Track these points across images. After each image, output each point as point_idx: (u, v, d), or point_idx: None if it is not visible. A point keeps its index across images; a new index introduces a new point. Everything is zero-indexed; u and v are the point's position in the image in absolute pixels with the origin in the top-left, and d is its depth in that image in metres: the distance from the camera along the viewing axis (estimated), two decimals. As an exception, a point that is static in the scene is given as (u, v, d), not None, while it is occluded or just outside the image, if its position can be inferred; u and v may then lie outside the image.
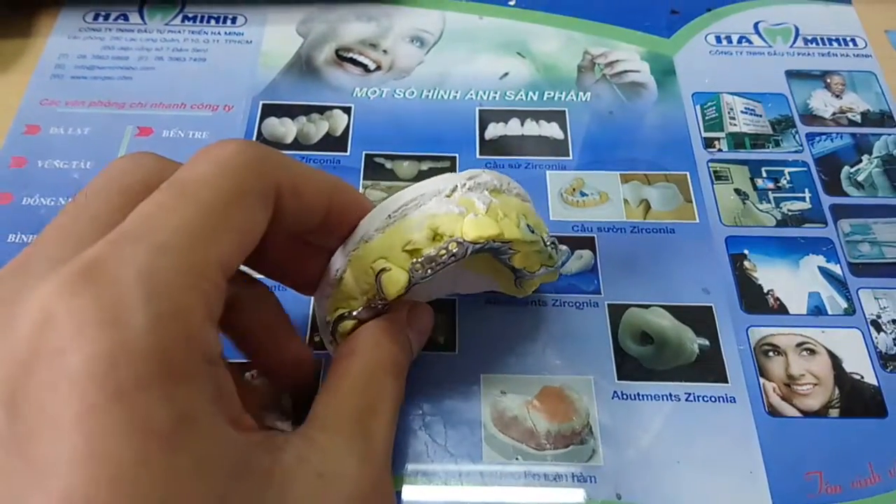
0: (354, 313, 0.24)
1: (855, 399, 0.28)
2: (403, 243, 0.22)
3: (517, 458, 0.26)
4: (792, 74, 0.38)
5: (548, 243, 0.25)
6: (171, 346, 0.15)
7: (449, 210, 0.22)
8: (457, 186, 0.23)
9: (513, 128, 0.35)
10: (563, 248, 0.31)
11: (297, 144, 0.35)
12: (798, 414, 0.27)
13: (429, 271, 0.22)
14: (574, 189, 0.33)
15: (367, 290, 0.23)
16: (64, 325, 0.15)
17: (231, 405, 0.18)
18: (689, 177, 0.34)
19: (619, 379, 0.28)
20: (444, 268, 0.22)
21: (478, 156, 0.34)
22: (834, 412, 0.28)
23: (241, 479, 0.16)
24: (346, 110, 0.36)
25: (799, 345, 0.29)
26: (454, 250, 0.22)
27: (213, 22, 0.40)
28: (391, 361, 0.23)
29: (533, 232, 0.24)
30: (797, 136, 0.36)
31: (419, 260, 0.22)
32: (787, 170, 0.34)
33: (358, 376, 0.22)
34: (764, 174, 0.34)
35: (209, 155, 0.19)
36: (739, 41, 0.39)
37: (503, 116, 0.36)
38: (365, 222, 0.23)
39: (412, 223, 0.22)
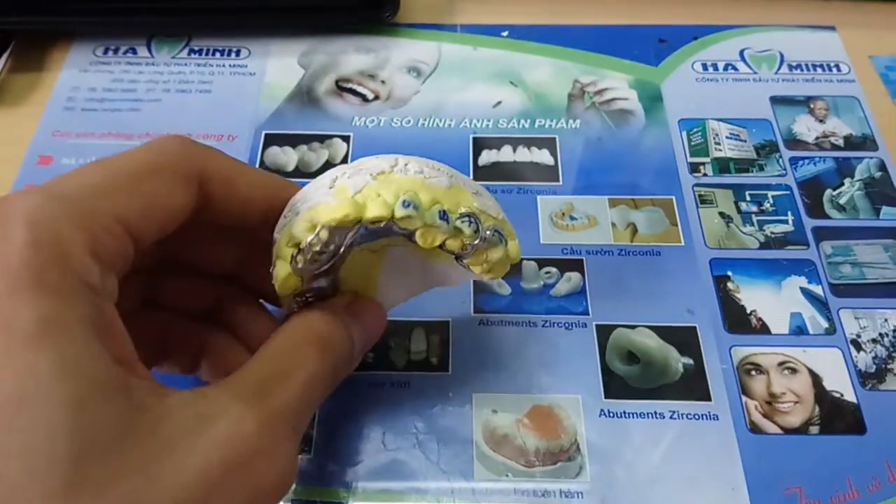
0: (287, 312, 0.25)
1: (835, 416, 0.29)
2: (287, 240, 0.22)
3: (507, 476, 0.27)
4: (776, 100, 0.39)
5: (458, 221, 0.23)
6: (44, 264, 0.17)
7: (325, 200, 0.22)
8: (337, 177, 0.23)
9: (505, 154, 0.37)
10: (553, 269, 0.32)
11: (298, 172, 0.36)
12: (779, 431, 0.28)
13: (311, 262, 0.22)
14: (564, 213, 0.34)
15: (289, 288, 0.24)
16: None
17: (117, 343, 0.18)
18: (674, 201, 0.35)
19: (606, 397, 0.29)
20: (330, 257, 0.22)
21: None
22: (814, 429, 0.28)
23: (108, 399, 0.16)
24: (346, 139, 0.37)
25: (781, 364, 0.30)
26: (324, 237, 0.22)
27: (218, 55, 0.41)
28: (315, 334, 0.23)
29: (416, 208, 0.22)
30: (781, 161, 0.37)
31: (297, 252, 0.22)
32: (770, 193, 0.35)
33: (274, 346, 0.22)
34: (748, 198, 0.35)
35: (144, 143, 0.21)
36: (725, 68, 0.41)
37: (496, 143, 0.37)
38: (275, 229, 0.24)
39: (298, 220, 0.22)
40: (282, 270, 0.23)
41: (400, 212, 0.22)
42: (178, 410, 0.18)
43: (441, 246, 0.23)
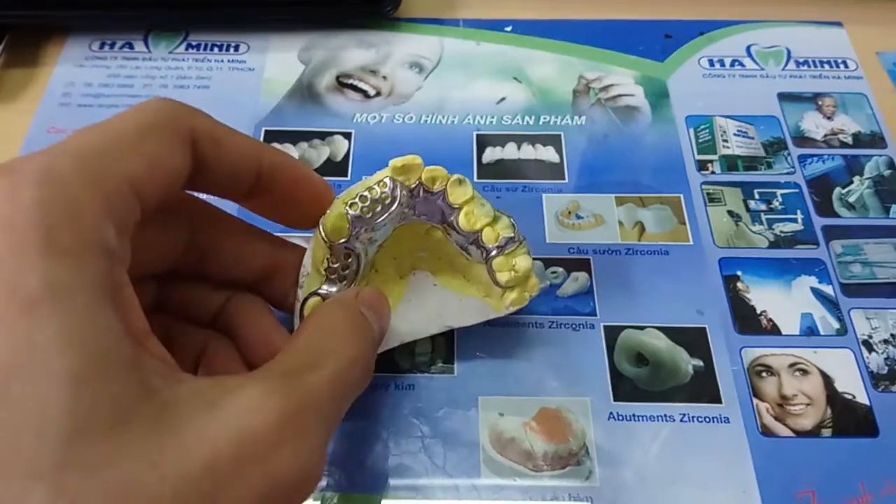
0: (318, 290, 0.25)
1: (847, 419, 0.28)
2: (346, 196, 0.25)
3: (515, 480, 0.27)
4: (784, 97, 0.39)
5: (498, 210, 0.27)
6: (55, 224, 0.16)
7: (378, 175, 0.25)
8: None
9: (510, 152, 0.36)
10: (559, 269, 0.32)
11: (298, 170, 0.35)
12: (791, 434, 0.28)
13: (365, 209, 0.24)
14: (570, 212, 0.34)
15: (320, 258, 0.25)
16: None
17: (131, 315, 0.17)
18: (682, 199, 0.34)
19: (615, 400, 0.28)
20: (384, 210, 0.25)
21: (476, 179, 0.35)
22: (826, 432, 0.28)
23: (112, 376, 0.15)
24: (347, 135, 0.37)
25: (791, 365, 0.30)
26: (385, 189, 0.25)
27: (216, 50, 0.40)
28: (348, 319, 0.22)
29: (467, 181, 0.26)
30: (789, 158, 0.36)
31: (354, 199, 0.24)
32: (779, 191, 0.35)
33: (305, 335, 0.21)
34: (756, 196, 0.35)
35: (134, 106, 0.20)
36: (732, 64, 0.40)
37: (500, 140, 0.36)
38: None
39: (355, 186, 0.25)
40: (336, 209, 0.24)
41: (454, 177, 0.26)
42: (190, 397, 0.16)
43: (476, 242, 0.26)
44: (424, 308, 0.28)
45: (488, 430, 0.28)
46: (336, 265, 0.25)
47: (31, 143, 0.36)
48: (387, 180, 0.25)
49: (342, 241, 0.25)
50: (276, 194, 0.24)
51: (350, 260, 0.25)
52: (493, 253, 0.26)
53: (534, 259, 0.32)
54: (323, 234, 0.24)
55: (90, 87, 0.39)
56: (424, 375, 0.29)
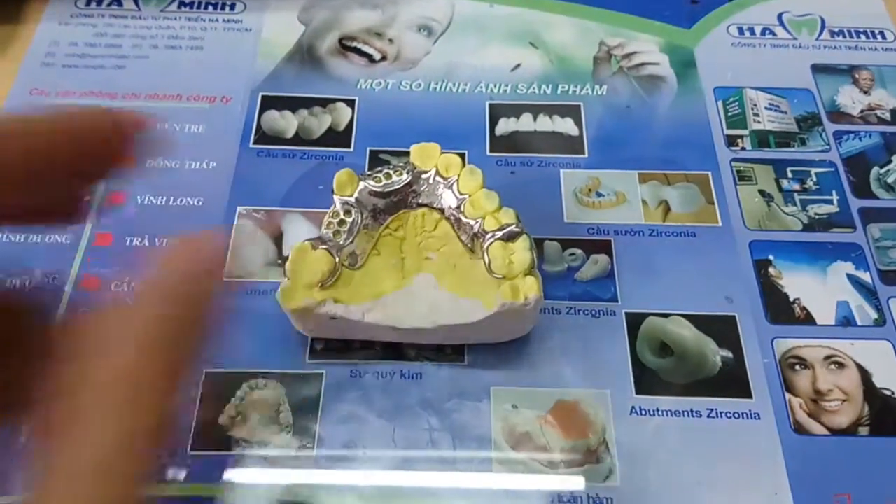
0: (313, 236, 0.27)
1: (886, 416, 0.26)
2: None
3: (529, 478, 0.25)
4: (818, 69, 0.36)
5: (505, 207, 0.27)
6: None
7: None
8: None
9: (525, 123, 0.34)
10: (577, 251, 0.30)
11: (298, 139, 0.33)
12: (826, 432, 0.26)
13: (377, 176, 0.27)
14: (590, 189, 0.31)
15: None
16: None
17: None
18: (710, 177, 0.32)
19: (637, 393, 0.26)
20: (392, 183, 0.27)
21: (488, 152, 0.33)
22: (864, 430, 0.26)
23: None
24: (350, 103, 0.34)
25: (826, 358, 0.28)
26: (400, 166, 0.27)
27: (210, 8, 0.38)
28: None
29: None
30: (824, 135, 0.34)
31: (368, 175, 0.27)
32: (813, 170, 0.33)
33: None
34: (789, 174, 0.32)
35: None
36: (763, 33, 0.38)
37: (515, 111, 0.34)
38: None
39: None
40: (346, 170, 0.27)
41: (468, 166, 0.27)
42: None
43: (478, 233, 0.26)
44: (418, 305, 0.26)
45: (501, 423, 0.26)
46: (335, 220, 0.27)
47: (12, 106, 0.34)
48: (400, 164, 0.28)
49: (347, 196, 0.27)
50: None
51: (350, 217, 0.27)
52: (491, 239, 0.26)
53: (551, 239, 0.30)
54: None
55: (75, 47, 0.36)
56: (432, 363, 0.27)
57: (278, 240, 0.30)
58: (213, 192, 0.31)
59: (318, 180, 0.31)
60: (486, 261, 0.25)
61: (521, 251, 0.25)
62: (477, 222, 0.26)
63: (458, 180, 0.27)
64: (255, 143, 0.33)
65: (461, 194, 0.27)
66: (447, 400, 0.26)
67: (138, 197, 0.31)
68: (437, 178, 0.27)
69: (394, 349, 0.27)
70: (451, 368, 0.27)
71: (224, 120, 0.33)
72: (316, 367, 0.27)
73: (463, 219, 0.27)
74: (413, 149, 0.28)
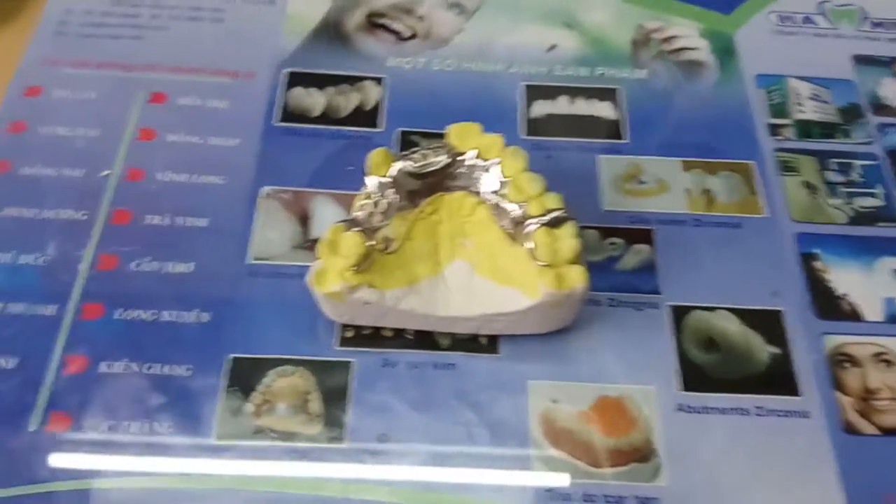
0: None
1: (938, 418, 0.25)
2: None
3: (571, 477, 0.24)
4: (859, 59, 0.35)
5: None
6: None
7: None
8: None
9: (561, 106, 0.32)
10: (618, 240, 0.28)
11: (325, 118, 0.32)
12: (877, 432, 0.25)
13: (414, 156, 0.26)
14: (631, 176, 0.30)
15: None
16: None
17: None
18: (754, 166, 0.31)
19: (683, 389, 0.25)
20: (430, 164, 0.26)
21: (522, 136, 0.31)
22: (916, 432, 0.25)
23: None
24: (379, 81, 0.33)
25: (875, 355, 0.27)
26: (435, 146, 0.26)
27: (232, -21, 0.36)
28: None
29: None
30: (867, 127, 0.33)
31: (402, 157, 0.26)
32: (857, 163, 0.31)
33: None
34: (834, 167, 0.31)
35: None
36: (804, 21, 0.36)
37: (551, 93, 0.33)
38: None
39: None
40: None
41: (511, 148, 0.26)
42: None
43: (521, 220, 0.25)
44: (455, 293, 0.25)
45: (540, 419, 0.25)
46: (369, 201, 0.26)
47: (23, 77, 0.32)
48: (436, 145, 0.26)
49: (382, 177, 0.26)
50: None
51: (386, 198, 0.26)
52: (536, 225, 0.24)
53: (590, 227, 0.28)
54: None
55: (90, 16, 0.34)
56: (465, 354, 0.26)
57: (304, 221, 0.29)
58: (237, 171, 0.30)
59: (347, 161, 0.30)
60: (530, 247, 0.24)
61: (568, 238, 0.24)
62: (520, 207, 0.25)
63: (500, 162, 0.26)
64: (280, 120, 0.31)
65: (504, 177, 0.25)
66: (482, 392, 0.25)
67: (158, 173, 0.30)
68: (477, 160, 0.26)
69: (426, 338, 0.26)
70: (486, 360, 0.26)
71: (248, 96, 0.32)
72: (345, 355, 0.26)
73: (503, 203, 0.25)
74: (451, 128, 0.26)
